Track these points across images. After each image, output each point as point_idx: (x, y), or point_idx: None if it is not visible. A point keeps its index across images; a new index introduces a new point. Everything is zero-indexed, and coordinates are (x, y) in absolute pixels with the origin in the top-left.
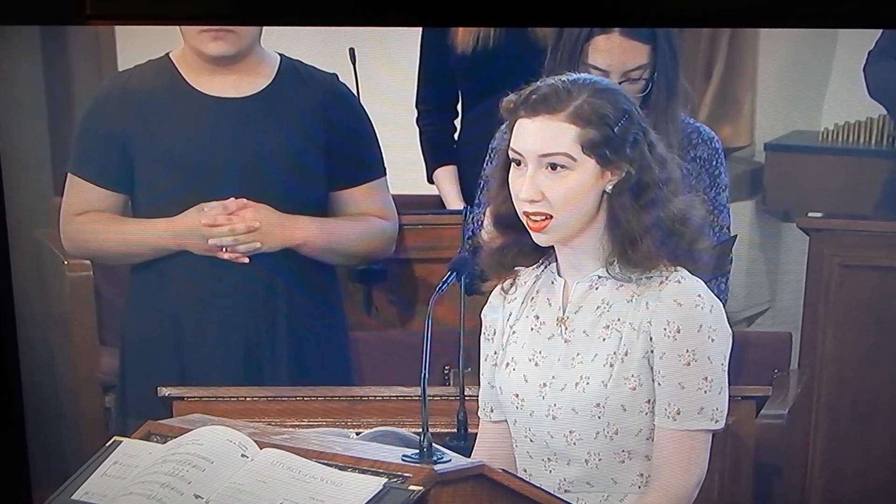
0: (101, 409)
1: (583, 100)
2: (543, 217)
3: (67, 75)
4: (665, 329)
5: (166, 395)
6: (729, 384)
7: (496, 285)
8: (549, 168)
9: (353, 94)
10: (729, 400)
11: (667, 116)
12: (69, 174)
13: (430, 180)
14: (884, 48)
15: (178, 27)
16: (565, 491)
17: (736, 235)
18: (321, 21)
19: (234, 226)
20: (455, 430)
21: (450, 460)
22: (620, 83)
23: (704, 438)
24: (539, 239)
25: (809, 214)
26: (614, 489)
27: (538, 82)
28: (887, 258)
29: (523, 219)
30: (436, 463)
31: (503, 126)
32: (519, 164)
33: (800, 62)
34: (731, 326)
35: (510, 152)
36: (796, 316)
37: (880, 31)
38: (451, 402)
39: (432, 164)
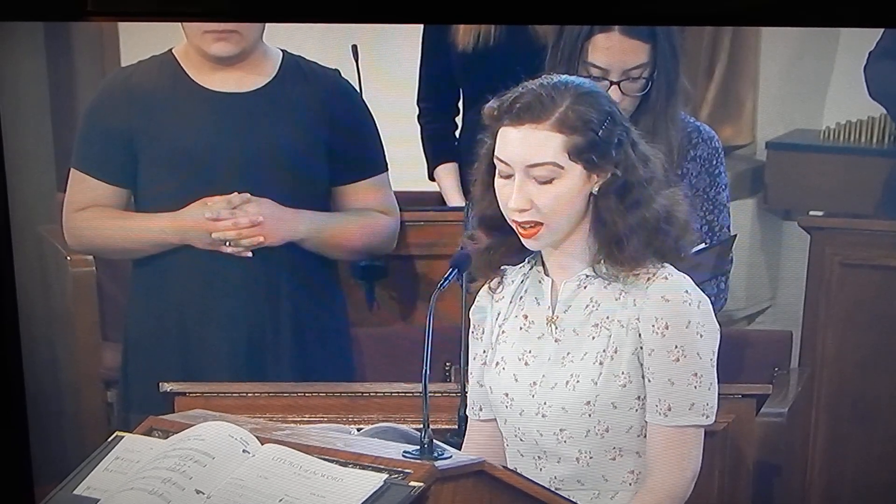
0: (103, 405)
1: (566, 106)
2: (533, 224)
3: (71, 72)
4: (653, 326)
5: (168, 390)
6: (722, 381)
7: (484, 284)
8: (537, 178)
9: (356, 90)
10: (729, 398)
11: (666, 116)
12: (72, 169)
13: (432, 177)
14: (885, 48)
15: (181, 27)
16: (556, 489)
17: (735, 235)
18: (324, 18)
19: (237, 220)
20: (456, 427)
21: (451, 457)
22: (620, 81)
23: (696, 434)
24: (530, 245)
25: (810, 213)
26: (605, 486)
27: (519, 87)
28: (888, 257)
29: (513, 226)
30: (436, 459)
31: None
32: (504, 172)
33: (801, 61)
34: (729, 324)
35: (496, 160)
36: (797, 314)
37: (881, 30)
38: (453, 398)
39: (433, 162)
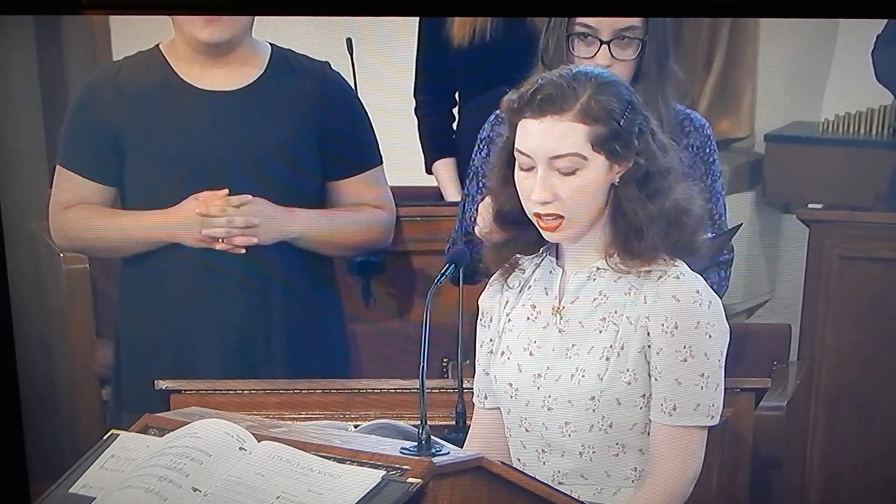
0: (99, 403)
1: (588, 96)
2: (555, 217)
3: (62, 66)
4: (663, 325)
5: (164, 388)
6: (727, 377)
7: (495, 271)
8: (561, 169)
9: (347, 82)
10: (728, 392)
11: (657, 92)
12: (58, 167)
13: (430, 171)
14: (893, 32)
15: (170, 18)
16: (559, 483)
17: (741, 224)
18: (318, 11)
19: (232, 219)
20: (453, 423)
21: (448, 453)
22: (611, 41)
23: (700, 434)
24: (551, 238)
25: (809, 206)
26: (608, 482)
27: (538, 79)
28: (887, 250)
29: (533, 219)
30: (434, 455)
31: (492, 118)
32: (526, 164)
33: (800, 53)
34: (729, 320)
35: (516, 153)
36: (796, 308)
37: (883, 20)
38: (450, 394)
39: (431, 156)
